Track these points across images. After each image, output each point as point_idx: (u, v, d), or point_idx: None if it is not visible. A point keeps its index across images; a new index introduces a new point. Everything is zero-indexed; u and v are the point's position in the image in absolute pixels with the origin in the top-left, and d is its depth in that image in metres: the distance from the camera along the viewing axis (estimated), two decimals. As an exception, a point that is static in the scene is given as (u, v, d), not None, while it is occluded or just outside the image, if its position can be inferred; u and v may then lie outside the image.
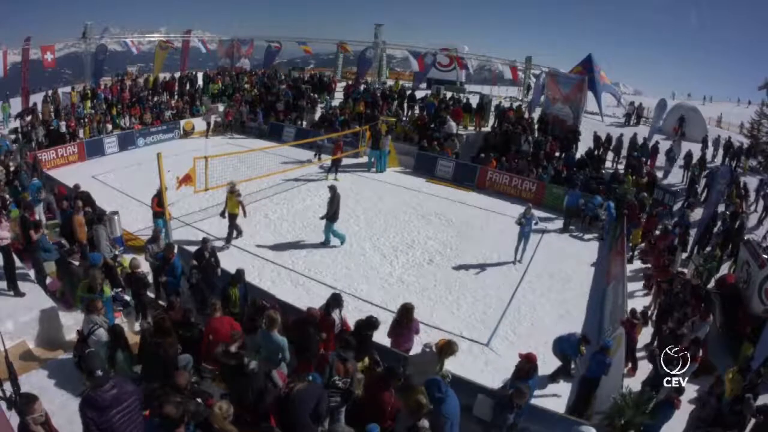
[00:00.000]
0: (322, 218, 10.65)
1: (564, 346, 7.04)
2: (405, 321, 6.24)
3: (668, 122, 20.28)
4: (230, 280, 6.84)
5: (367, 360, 5.69)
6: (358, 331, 5.72)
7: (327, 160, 16.09)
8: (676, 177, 16.27)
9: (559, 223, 13.13)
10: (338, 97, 22.93)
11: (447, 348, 5.04)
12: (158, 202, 9.65)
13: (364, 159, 16.73)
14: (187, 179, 10.27)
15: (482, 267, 10.37)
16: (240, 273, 6.94)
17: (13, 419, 4.06)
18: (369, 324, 5.75)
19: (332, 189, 10.50)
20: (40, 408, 3.44)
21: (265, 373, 4.62)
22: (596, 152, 16.81)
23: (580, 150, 16.66)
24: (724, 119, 24.48)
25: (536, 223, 10.73)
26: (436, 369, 4.98)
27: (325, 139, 16.81)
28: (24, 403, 3.45)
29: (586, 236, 12.50)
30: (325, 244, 10.67)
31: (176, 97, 21.64)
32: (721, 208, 12.48)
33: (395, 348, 6.23)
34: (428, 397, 3.95)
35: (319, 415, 4.14)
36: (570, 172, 14.43)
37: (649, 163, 16.04)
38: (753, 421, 5.51)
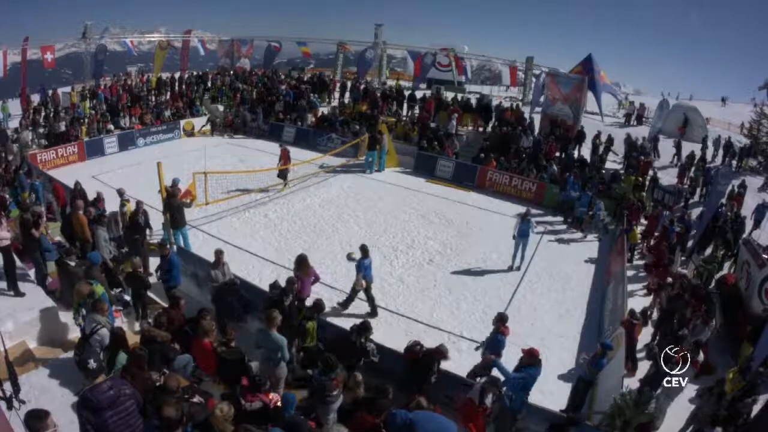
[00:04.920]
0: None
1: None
2: (303, 271, 7.12)
3: (669, 122, 20.26)
4: (307, 312, 6.15)
5: None
6: None
7: (324, 159, 16.11)
8: (676, 177, 16.25)
9: (559, 224, 13.16)
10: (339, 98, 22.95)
11: None
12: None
13: (362, 160, 16.68)
14: (187, 194, 10.40)
15: (482, 267, 10.36)
16: (319, 304, 6.31)
17: (14, 419, 4.07)
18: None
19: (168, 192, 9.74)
20: (53, 423, 3.37)
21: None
22: (595, 152, 16.84)
23: (583, 151, 16.70)
24: (712, 118, 24.50)
25: (534, 230, 10.38)
26: None
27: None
28: (36, 420, 3.30)
29: (586, 236, 12.50)
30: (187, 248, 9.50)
31: (178, 98, 21.63)
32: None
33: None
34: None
35: None
36: (567, 171, 14.43)
37: (678, 176, 15.78)
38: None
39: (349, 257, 8.05)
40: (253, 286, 7.62)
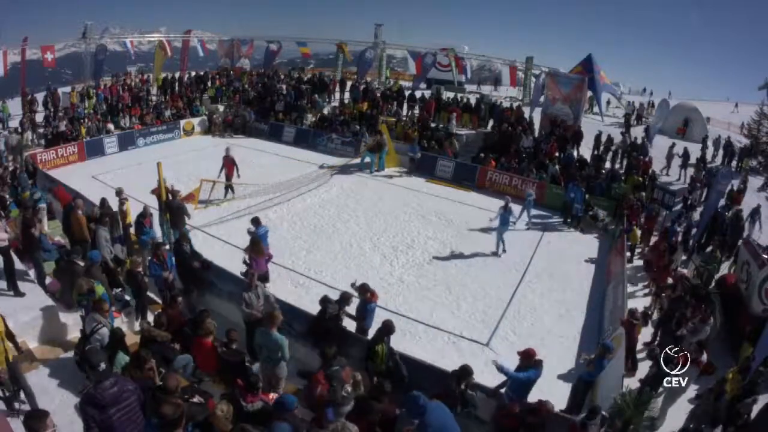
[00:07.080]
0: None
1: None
2: (256, 251, 7.77)
3: (669, 122, 20.27)
4: (378, 334, 5.69)
5: None
6: None
7: (327, 162, 16.09)
8: (676, 177, 16.27)
9: (558, 223, 13.17)
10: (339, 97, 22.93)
11: None
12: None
13: (357, 160, 16.69)
14: (190, 197, 10.47)
15: (482, 267, 10.37)
16: (389, 325, 5.78)
17: (14, 421, 4.07)
18: None
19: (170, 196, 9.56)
20: (52, 423, 3.40)
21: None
22: (595, 152, 16.86)
23: (583, 151, 16.70)
24: (712, 118, 24.54)
25: (514, 222, 10.83)
26: None
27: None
28: (36, 420, 3.33)
29: (586, 236, 12.49)
30: None
31: (178, 98, 21.62)
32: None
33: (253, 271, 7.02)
34: (408, 411, 3.84)
35: None
36: (568, 171, 14.42)
37: (688, 185, 15.62)
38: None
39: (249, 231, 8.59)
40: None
